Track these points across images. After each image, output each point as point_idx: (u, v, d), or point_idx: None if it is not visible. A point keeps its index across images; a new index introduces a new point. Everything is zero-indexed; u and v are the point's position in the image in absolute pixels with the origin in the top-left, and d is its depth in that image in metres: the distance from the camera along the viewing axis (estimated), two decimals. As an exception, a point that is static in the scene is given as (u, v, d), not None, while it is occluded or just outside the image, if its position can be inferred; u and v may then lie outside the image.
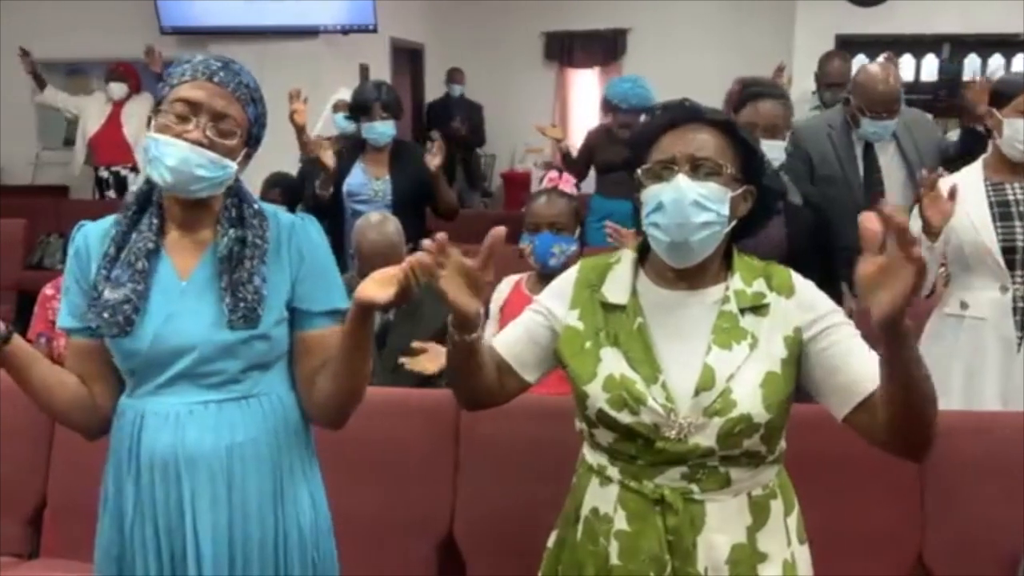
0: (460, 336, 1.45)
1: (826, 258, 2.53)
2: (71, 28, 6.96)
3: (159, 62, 6.08)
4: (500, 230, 1.39)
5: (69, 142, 7.64)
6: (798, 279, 1.52)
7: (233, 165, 1.53)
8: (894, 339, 1.23)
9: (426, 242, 1.38)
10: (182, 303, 1.53)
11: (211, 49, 5.96)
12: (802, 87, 5.24)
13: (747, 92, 2.63)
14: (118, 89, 6.41)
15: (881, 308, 1.20)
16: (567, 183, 2.64)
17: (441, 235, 1.38)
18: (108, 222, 1.59)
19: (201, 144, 1.48)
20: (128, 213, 1.57)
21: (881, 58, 4.68)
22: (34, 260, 5.86)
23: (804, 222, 2.53)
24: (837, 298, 2.20)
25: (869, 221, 1.20)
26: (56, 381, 1.58)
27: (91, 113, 6.55)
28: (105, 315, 1.50)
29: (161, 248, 1.55)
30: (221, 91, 1.50)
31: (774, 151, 2.49)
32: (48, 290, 3.47)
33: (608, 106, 4.97)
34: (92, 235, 1.59)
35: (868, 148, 3.36)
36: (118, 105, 6.42)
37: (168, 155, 1.47)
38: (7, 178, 7.15)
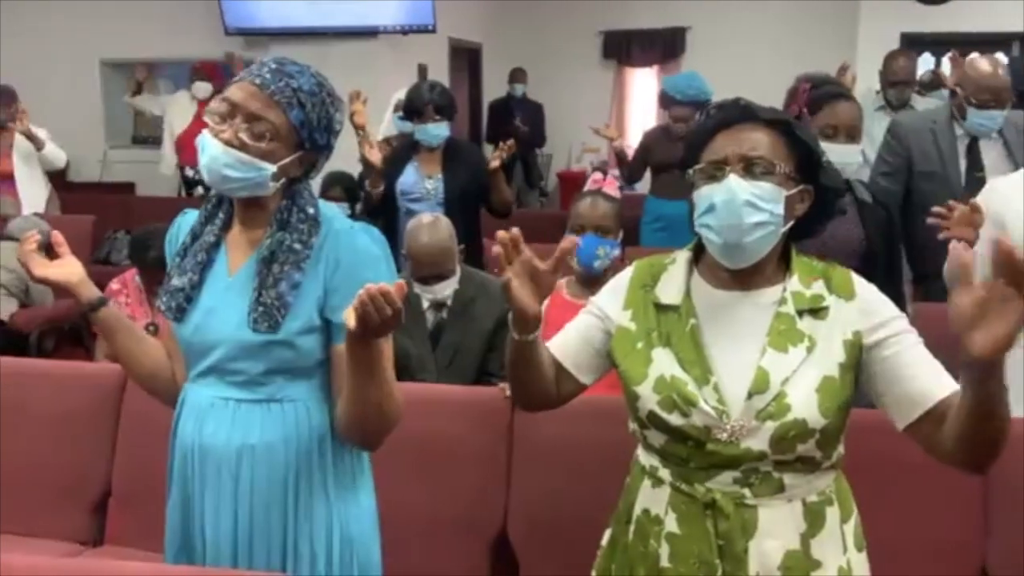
0: (519, 336, 1.45)
1: (891, 257, 2.49)
2: (138, 29, 7.13)
3: (240, 66, 6.20)
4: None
5: (137, 140, 7.85)
6: (860, 282, 1.49)
7: (269, 168, 1.51)
8: (985, 374, 1.19)
9: (501, 233, 1.37)
10: (224, 298, 1.56)
11: (272, 50, 6.07)
12: (865, 86, 5.14)
13: (823, 91, 2.56)
14: (203, 88, 6.54)
15: (979, 349, 1.15)
16: (611, 185, 2.63)
17: (515, 230, 1.38)
18: (198, 213, 1.65)
19: (231, 145, 1.49)
20: (208, 207, 1.62)
21: (947, 57, 4.58)
22: (101, 255, 6.01)
23: (880, 221, 2.48)
24: (900, 300, 2.16)
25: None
26: (140, 351, 1.69)
27: (176, 113, 6.70)
28: (166, 298, 1.58)
29: (222, 243, 1.60)
30: (260, 93, 1.50)
31: (852, 155, 2.43)
32: (114, 285, 3.55)
33: (664, 98, 4.95)
34: (184, 223, 1.66)
35: (972, 145, 3.30)
36: (203, 104, 6.55)
37: (203, 152, 1.51)
38: (76, 175, 7.35)
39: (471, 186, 3.76)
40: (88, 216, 5.60)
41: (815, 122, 2.43)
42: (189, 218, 1.67)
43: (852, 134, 2.43)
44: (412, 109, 3.77)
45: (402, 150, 3.91)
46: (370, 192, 3.75)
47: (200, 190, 6.54)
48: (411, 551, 2.22)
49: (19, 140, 5.36)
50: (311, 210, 1.57)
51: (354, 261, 1.53)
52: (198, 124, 6.50)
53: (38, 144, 5.32)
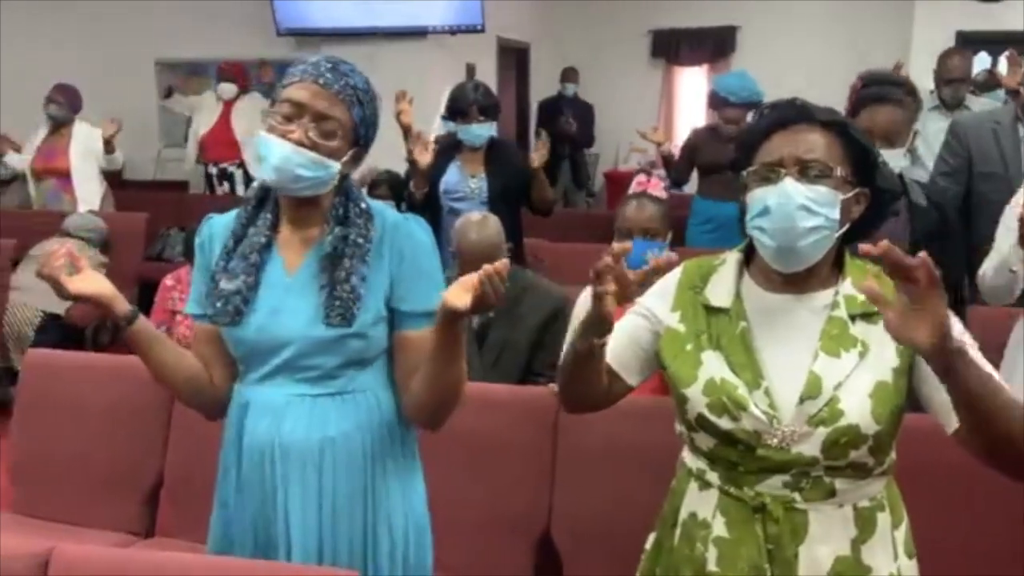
0: (589, 338, 1.44)
1: (944, 260, 2.44)
2: (192, 30, 7.25)
3: (269, 73, 6.32)
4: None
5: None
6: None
7: (336, 165, 1.55)
8: (950, 360, 1.20)
9: (616, 246, 1.37)
10: (287, 298, 1.58)
11: (323, 50, 6.11)
12: (920, 86, 5.05)
13: (865, 93, 2.51)
14: (228, 89, 6.64)
15: (925, 342, 1.18)
16: (656, 186, 2.61)
17: (628, 244, 1.39)
18: (231, 215, 1.66)
19: (303, 144, 1.52)
20: (248, 208, 1.64)
21: (1004, 56, 4.49)
22: (155, 252, 6.12)
23: (930, 223, 2.44)
24: (955, 303, 2.11)
25: (867, 286, 1.21)
26: (177, 362, 1.66)
27: (203, 112, 6.82)
28: (219, 304, 1.58)
29: (273, 243, 1.61)
30: (325, 92, 1.53)
31: (892, 160, 2.39)
32: (168, 281, 3.63)
33: (715, 100, 4.89)
34: (216, 227, 1.66)
35: None
36: (228, 104, 6.66)
37: (272, 154, 1.52)
38: (130, 174, 7.48)
39: (513, 185, 3.76)
40: (142, 214, 5.70)
41: (855, 123, 2.39)
42: (218, 223, 1.67)
43: (890, 139, 2.37)
44: (456, 109, 3.78)
45: (445, 150, 3.93)
46: (414, 192, 3.78)
47: (226, 187, 6.64)
48: (455, 549, 2.23)
49: (76, 138, 5.48)
50: (364, 204, 1.61)
51: (415, 251, 1.60)
52: (222, 124, 6.63)
53: (110, 150, 5.46)
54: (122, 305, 1.59)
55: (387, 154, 4.58)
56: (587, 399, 1.58)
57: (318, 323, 1.55)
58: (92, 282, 1.57)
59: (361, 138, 1.59)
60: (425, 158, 3.70)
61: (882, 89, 2.54)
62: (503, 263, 1.40)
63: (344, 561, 1.59)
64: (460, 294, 1.42)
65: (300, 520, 1.58)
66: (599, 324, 1.41)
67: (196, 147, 6.79)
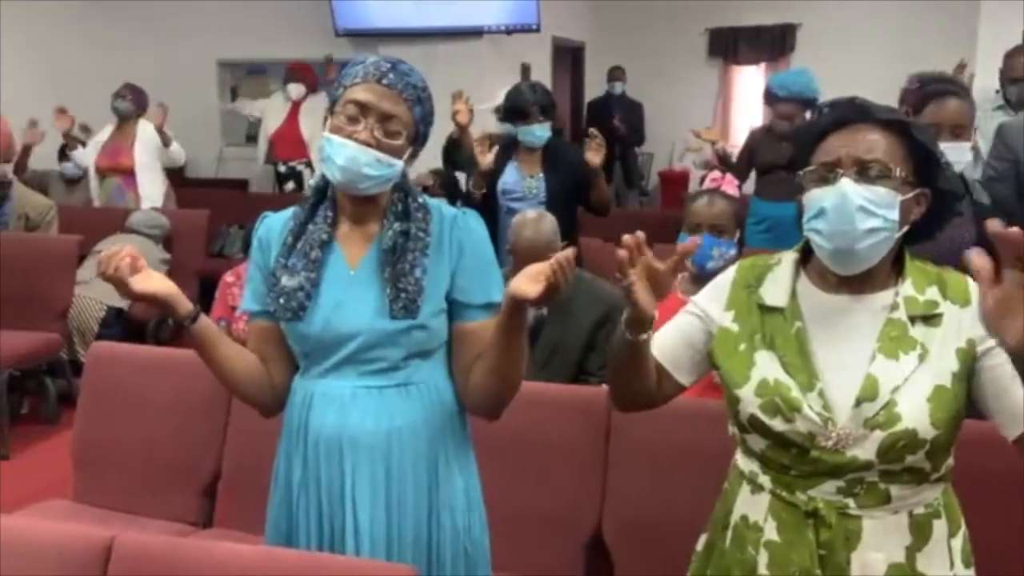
0: (632, 335, 1.44)
1: None
2: (252, 31, 7.38)
3: (334, 72, 6.38)
4: (697, 239, 1.43)
5: (250, 139, 8.12)
6: (976, 288, 1.43)
7: (399, 163, 1.58)
8: None
9: (627, 237, 1.37)
10: (350, 292, 1.60)
11: (381, 50, 6.19)
12: (984, 85, 4.93)
13: (929, 89, 2.48)
14: (296, 89, 6.76)
15: (1018, 335, 1.16)
16: (730, 184, 2.58)
17: (639, 233, 1.38)
18: (288, 214, 1.69)
19: (369, 144, 1.55)
20: (305, 206, 1.67)
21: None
22: (216, 249, 6.25)
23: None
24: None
25: (977, 258, 1.17)
26: (237, 359, 1.68)
27: (272, 112, 6.94)
28: (281, 300, 1.60)
29: (333, 239, 1.64)
30: (389, 92, 1.56)
31: (959, 152, 2.35)
32: (228, 277, 3.69)
33: (769, 95, 4.85)
34: (273, 225, 1.69)
35: None
36: (296, 104, 6.77)
37: (339, 154, 1.55)
38: (193, 172, 7.65)
39: (571, 185, 3.76)
40: (203, 211, 5.81)
41: (920, 119, 2.36)
42: (274, 221, 1.69)
43: (957, 132, 2.34)
44: (515, 111, 3.79)
45: (503, 150, 3.94)
46: (473, 192, 3.80)
47: (292, 185, 6.74)
48: (506, 546, 2.24)
49: (141, 137, 5.61)
50: (421, 199, 1.65)
51: (474, 244, 1.64)
52: (291, 123, 6.74)
53: (166, 140, 5.57)
54: (184, 304, 1.60)
55: (439, 153, 4.63)
56: (636, 397, 1.58)
57: (383, 315, 1.57)
58: (155, 282, 1.57)
59: (420, 136, 1.63)
60: (487, 159, 3.72)
61: (945, 85, 2.50)
62: (572, 251, 1.42)
63: (409, 549, 1.62)
64: (528, 283, 1.44)
65: (368, 510, 1.60)
66: (637, 319, 1.41)
67: (266, 146, 6.91)
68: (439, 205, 1.67)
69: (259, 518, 1.76)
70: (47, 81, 6.73)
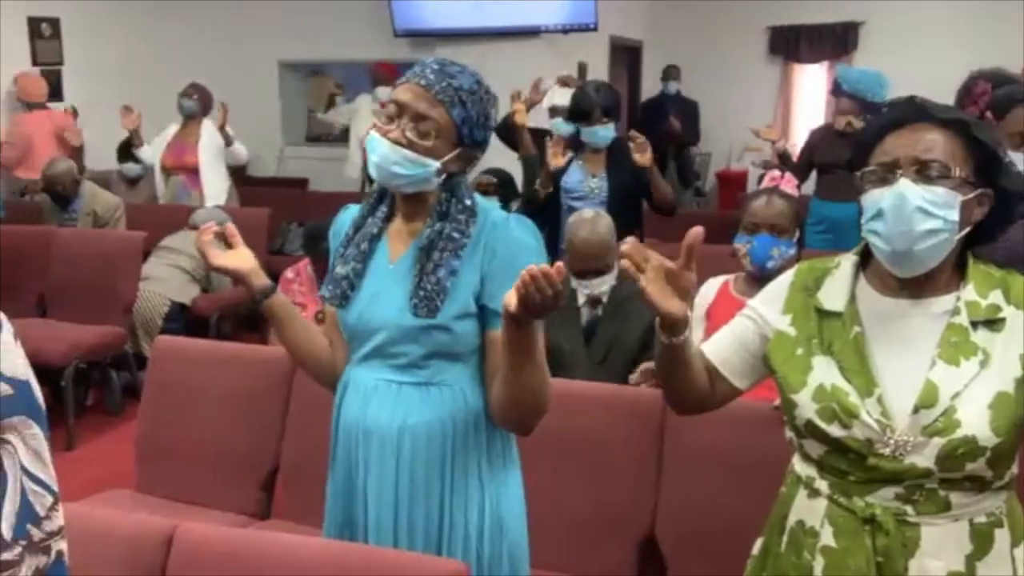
0: (667, 338, 1.43)
1: None
2: (313, 32, 7.48)
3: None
4: (698, 230, 1.34)
5: (310, 138, 8.25)
6: None
7: (433, 164, 1.58)
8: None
9: (623, 247, 1.36)
10: (386, 285, 1.63)
11: (438, 51, 6.24)
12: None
13: (1009, 94, 2.39)
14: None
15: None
16: (789, 183, 2.55)
17: (631, 239, 1.38)
18: (360, 207, 1.74)
19: (400, 144, 1.57)
20: (370, 201, 1.72)
21: None
22: (276, 246, 6.35)
23: None
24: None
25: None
26: (307, 338, 1.77)
27: (362, 116, 7.01)
28: (331, 287, 1.67)
29: (384, 234, 1.68)
30: (425, 93, 1.57)
31: None
32: (288, 274, 3.75)
33: (835, 87, 4.77)
34: (347, 217, 1.75)
35: None
36: (383, 106, 6.82)
37: (374, 152, 1.59)
38: (254, 170, 7.79)
39: (633, 185, 3.75)
40: (264, 209, 5.91)
41: (1003, 128, 2.29)
42: (351, 212, 1.76)
43: None
44: (580, 113, 3.79)
45: (568, 150, 3.94)
46: (538, 191, 3.81)
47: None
48: (560, 546, 2.25)
49: (205, 136, 5.73)
50: (468, 201, 1.64)
51: (510, 250, 1.59)
52: None
53: (228, 139, 5.68)
54: (261, 279, 1.73)
55: (497, 152, 4.64)
56: (688, 400, 1.57)
57: (406, 312, 1.59)
58: (235, 257, 1.72)
59: (465, 138, 1.61)
60: (559, 161, 3.73)
61: (1016, 88, 2.43)
62: (556, 266, 1.35)
63: (419, 546, 1.63)
64: (513, 295, 1.39)
65: (376, 501, 1.63)
66: (667, 321, 1.40)
67: (359, 151, 6.99)
68: (488, 208, 1.66)
69: (315, 510, 1.79)
70: (112, 80, 6.92)
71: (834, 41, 8.51)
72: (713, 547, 2.17)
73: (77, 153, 5.88)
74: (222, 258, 1.71)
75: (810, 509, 1.47)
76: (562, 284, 1.37)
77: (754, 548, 1.63)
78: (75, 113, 6.17)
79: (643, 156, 3.67)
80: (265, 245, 5.91)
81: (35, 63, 6.68)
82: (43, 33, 6.81)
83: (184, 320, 4.98)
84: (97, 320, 4.48)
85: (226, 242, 1.74)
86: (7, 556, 0.80)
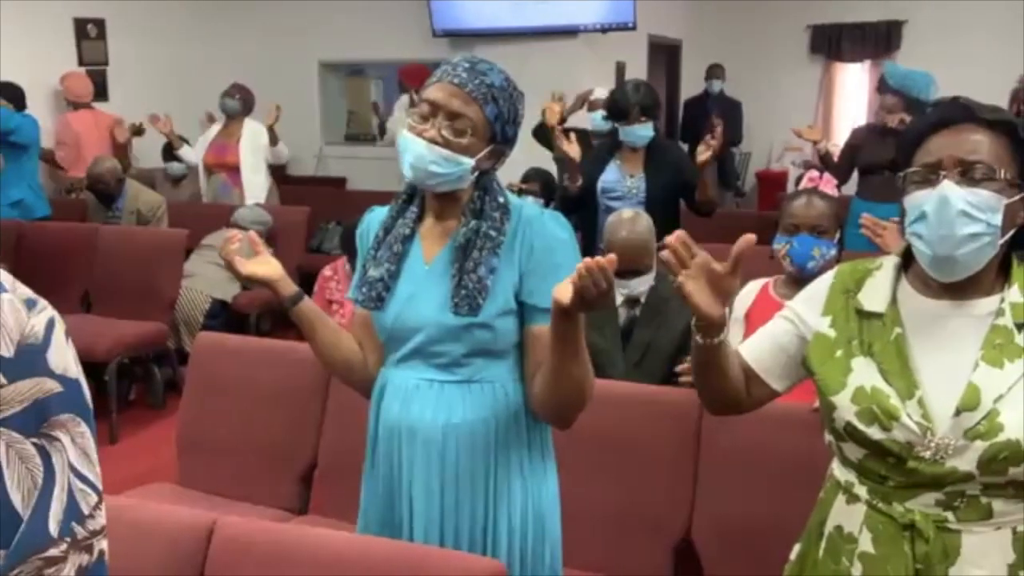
0: (703, 339, 1.43)
1: None
2: (353, 33, 7.53)
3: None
4: (750, 238, 1.33)
5: (349, 138, 8.30)
6: None
7: (468, 162, 1.59)
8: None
9: (669, 237, 1.36)
10: (422, 285, 1.64)
11: (477, 50, 6.25)
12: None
13: None
14: (407, 99, 6.86)
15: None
16: (828, 184, 2.52)
17: (680, 232, 1.37)
18: (388, 208, 1.75)
19: (436, 143, 1.57)
20: (399, 201, 1.72)
21: None
22: (314, 245, 6.41)
23: None
24: None
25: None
26: (336, 342, 1.77)
27: (399, 121, 7.06)
28: (364, 289, 1.67)
29: (416, 234, 1.68)
30: (458, 91, 1.57)
31: None
32: (326, 271, 3.79)
33: (880, 83, 4.71)
34: (374, 219, 1.76)
35: None
36: (414, 105, 6.84)
37: (408, 151, 1.59)
38: (293, 170, 7.87)
39: (672, 185, 3.73)
40: (303, 207, 5.97)
41: None
42: (377, 214, 1.76)
43: None
44: (617, 111, 3.77)
45: (604, 149, 3.93)
46: (568, 187, 3.80)
47: None
48: (595, 546, 2.25)
49: (247, 135, 5.80)
50: (502, 199, 1.65)
51: (546, 246, 1.61)
52: None
53: (274, 139, 5.75)
54: (289, 286, 1.73)
55: (536, 151, 4.65)
56: (723, 401, 1.56)
57: (446, 311, 1.60)
58: (263, 265, 1.73)
59: (498, 135, 1.62)
60: (573, 149, 3.71)
61: None
62: (609, 258, 1.37)
63: (465, 545, 1.64)
64: (567, 288, 1.40)
65: (423, 501, 1.64)
66: (703, 321, 1.39)
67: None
68: (521, 205, 1.67)
69: (353, 505, 1.81)
70: (156, 80, 7.03)
71: (876, 40, 8.39)
72: (750, 550, 2.15)
73: (123, 152, 5.98)
74: (249, 266, 1.72)
75: (849, 515, 1.46)
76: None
77: (792, 553, 1.61)
78: (118, 124, 6.28)
79: (704, 152, 3.64)
80: (304, 243, 5.97)
81: (81, 63, 6.81)
82: (89, 34, 6.93)
83: (225, 317, 5.05)
84: (140, 316, 4.56)
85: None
86: (54, 552, 0.80)
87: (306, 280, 5.01)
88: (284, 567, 1.65)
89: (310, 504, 2.73)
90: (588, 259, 1.36)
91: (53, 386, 0.81)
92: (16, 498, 0.78)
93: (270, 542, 1.69)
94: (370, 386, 1.76)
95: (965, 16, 7.78)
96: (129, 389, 4.75)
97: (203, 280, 4.99)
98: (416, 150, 1.58)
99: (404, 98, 6.70)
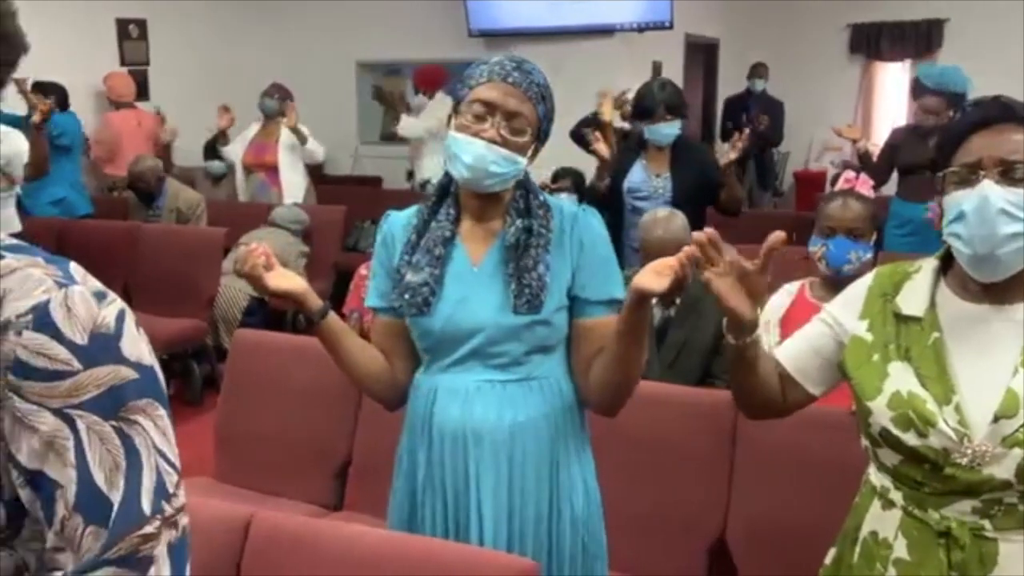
0: (734, 339, 1.42)
1: None
2: (390, 33, 7.57)
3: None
4: (780, 235, 1.33)
5: (384, 137, 8.35)
6: None
7: (524, 161, 1.61)
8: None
9: (696, 234, 1.36)
10: (473, 288, 1.64)
11: (513, 50, 6.25)
12: None
13: None
14: (422, 100, 6.87)
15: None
16: (864, 185, 2.49)
17: (710, 230, 1.36)
18: (411, 211, 1.73)
19: (495, 142, 1.57)
20: (429, 204, 1.70)
21: None
22: (350, 243, 6.44)
23: None
24: None
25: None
26: (362, 354, 1.74)
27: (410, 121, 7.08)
28: (406, 296, 1.64)
29: (456, 236, 1.67)
30: (514, 91, 1.58)
31: None
32: (363, 270, 3.82)
33: (916, 87, 4.65)
34: (396, 223, 1.73)
35: None
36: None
37: (465, 152, 1.58)
38: (330, 169, 7.93)
39: (698, 185, 3.71)
40: (340, 207, 6.01)
41: None
42: (397, 219, 1.73)
43: None
44: (643, 109, 3.76)
45: (631, 148, 3.92)
46: (596, 185, 3.79)
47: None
48: (628, 546, 2.24)
49: (285, 135, 5.86)
50: (542, 197, 1.66)
51: (594, 241, 1.65)
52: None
53: (301, 138, 5.80)
54: (314, 301, 1.68)
55: (570, 150, 4.65)
56: (758, 404, 1.55)
57: (507, 311, 1.60)
58: (287, 279, 1.67)
59: (543, 133, 1.65)
60: (603, 148, 3.70)
61: None
62: (695, 248, 1.39)
63: (531, 540, 1.65)
64: (654, 277, 1.44)
65: (492, 502, 1.64)
66: (733, 321, 1.38)
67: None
68: (559, 203, 1.69)
69: (386, 503, 1.81)
70: (196, 79, 7.12)
71: (917, 39, 8.28)
72: (785, 553, 2.14)
73: (165, 151, 6.06)
74: (277, 281, 1.64)
75: (884, 520, 1.44)
76: None
77: (827, 558, 1.60)
78: (162, 119, 6.36)
79: (730, 152, 3.61)
80: (340, 242, 6.01)
81: (123, 63, 6.91)
82: (131, 34, 7.04)
83: (262, 314, 5.10)
84: (179, 313, 4.62)
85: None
86: (149, 529, 0.86)
87: (342, 278, 5.06)
88: (320, 562, 1.67)
89: (344, 501, 2.75)
90: (686, 249, 1.39)
91: (128, 373, 0.88)
92: (99, 477, 0.85)
93: (307, 537, 1.71)
94: (397, 395, 1.76)
95: (1008, 15, 7.64)
96: (168, 385, 4.79)
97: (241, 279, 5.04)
98: (475, 150, 1.57)
99: (419, 99, 6.70)
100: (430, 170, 6.68)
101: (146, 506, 0.86)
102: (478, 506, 1.65)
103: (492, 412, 1.63)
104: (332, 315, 1.71)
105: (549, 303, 1.60)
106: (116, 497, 0.85)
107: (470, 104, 1.60)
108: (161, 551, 0.87)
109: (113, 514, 0.84)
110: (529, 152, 1.62)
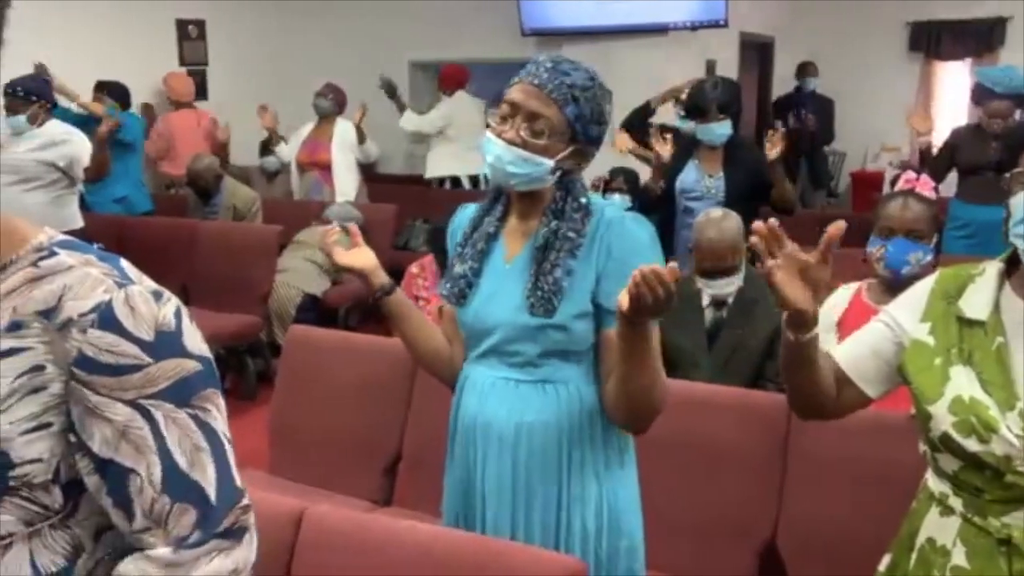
0: (793, 335, 1.40)
1: None
2: (442, 33, 7.61)
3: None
4: (840, 224, 1.31)
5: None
6: None
7: (547, 162, 1.59)
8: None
9: (758, 224, 1.33)
10: (502, 284, 1.66)
11: (564, 49, 6.25)
12: None
13: None
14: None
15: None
16: (925, 185, 2.44)
17: (772, 220, 1.35)
18: (477, 206, 1.77)
19: (514, 143, 1.58)
20: (487, 200, 1.74)
21: None
22: (401, 242, 6.50)
23: None
24: None
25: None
26: (425, 335, 1.82)
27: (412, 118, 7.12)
28: (449, 285, 1.70)
29: (500, 233, 1.70)
30: (537, 92, 1.58)
31: None
32: (413, 268, 3.85)
33: (979, 92, 4.54)
34: (464, 216, 1.79)
35: None
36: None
37: (488, 152, 1.61)
38: (382, 168, 7.99)
39: (751, 184, 3.68)
40: (391, 205, 6.06)
41: None
42: (468, 212, 1.78)
43: None
44: (695, 108, 3.73)
45: (683, 148, 3.89)
46: (651, 186, 3.77)
47: None
48: (678, 550, 2.23)
49: (338, 134, 5.92)
50: (583, 200, 1.64)
51: (625, 248, 1.59)
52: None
53: (362, 137, 5.87)
54: (381, 277, 1.80)
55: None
56: (812, 404, 1.53)
57: (522, 311, 1.61)
58: (358, 256, 1.80)
59: (579, 135, 1.61)
60: (664, 150, 3.69)
61: None
62: (669, 267, 1.35)
63: (536, 542, 1.65)
64: (623, 295, 1.40)
65: (495, 496, 1.66)
66: (792, 315, 1.36)
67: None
68: (604, 207, 1.66)
69: (436, 498, 1.84)
70: (252, 79, 7.23)
71: (978, 37, 8.08)
72: (836, 559, 2.11)
73: (222, 150, 6.17)
74: (346, 257, 1.79)
75: (942, 527, 1.42)
76: (675, 285, 1.36)
77: (881, 564, 1.58)
78: (215, 123, 6.48)
79: (772, 149, 3.58)
80: (391, 241, 6.05)
81: (182, 63, 7.05)
82: (190, 35, 7.18)
83: (316, 311, 5.16)
84: (235, 309, 4.70)
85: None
86: (245, 501, 0.97)
87: (393, 277, 5.08)
88: (371, 556, 1.69)
89: (394, 496, 2.77)
90: (643, 266, 1.35)
91: (193, 365, 0.95)
92: (181, 460, 0.93)
93: (358, 531, 1.73)
94: (454, 377, 1.79)
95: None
96: (223, 379, 4.88)
97: (295, 275, 5.11)
98: (495, 150, 1.60)
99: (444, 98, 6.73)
100: (435, 168, 6.75)
101: (239, 482, 0.96)
102: (482, 500, 1.68)
103: (503, 409, 1.64)
104: (399, 291, 1.81)
105: (566, 308, 1.58)
106: (202, 477, 0.93)
107: (501, 105, 1.63)
108: (252, 520, 0.98)
109: (214, 492, 0.94)
110: (562, 153, 1.60)
